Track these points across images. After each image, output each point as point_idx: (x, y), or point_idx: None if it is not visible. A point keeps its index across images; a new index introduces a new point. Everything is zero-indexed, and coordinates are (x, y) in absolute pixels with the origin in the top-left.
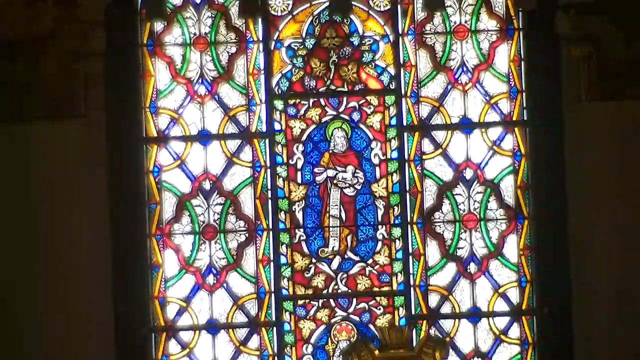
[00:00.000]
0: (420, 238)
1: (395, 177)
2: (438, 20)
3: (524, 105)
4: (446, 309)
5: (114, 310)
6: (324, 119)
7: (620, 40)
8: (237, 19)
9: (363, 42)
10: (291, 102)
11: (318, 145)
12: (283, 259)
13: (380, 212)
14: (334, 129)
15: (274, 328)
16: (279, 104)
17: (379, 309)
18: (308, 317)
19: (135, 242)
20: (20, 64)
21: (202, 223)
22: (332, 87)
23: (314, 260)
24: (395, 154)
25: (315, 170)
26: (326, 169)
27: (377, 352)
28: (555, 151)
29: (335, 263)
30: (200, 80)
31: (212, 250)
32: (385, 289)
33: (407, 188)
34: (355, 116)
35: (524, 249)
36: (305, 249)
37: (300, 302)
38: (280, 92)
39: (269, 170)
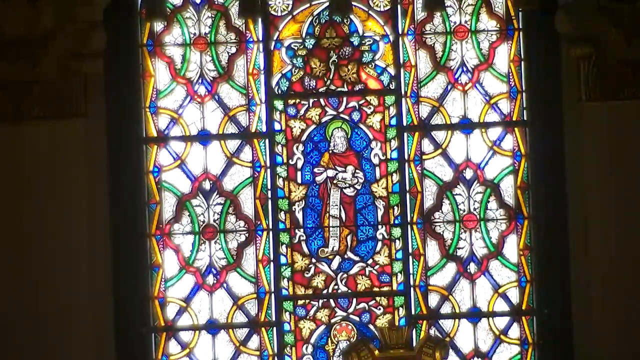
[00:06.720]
0: (420, 238)
1: (395, 177)
2: (438, 21)
3: (524, 105)
4: (446, 309)
5: (114, 310)
6: (324, 119)
7: (620, 40)
8: (237, 19)
9: (363, 42)
10: (291, 102)
11: (318, 145)
12: (283, 259)
13: (380, 212)
14: (334, 129)
15: (274, 328)
16: (279, 104)
17: (379, 309)
18: (308, 317)
19: (135, 242)
20: (20, 64)
21: (202, 223)
22: (332, 87)
23: (314, 260)
24: (395, 154)
25: (315, 170)
26: (326, 169)
27: (377, 352)
28: (555, 151)
29: (335, 263)
30: (200, 80)
31: (212, 250)
32: (385, 289)
33: (407, 188)
34: (355, 116)
35: (524, 249)
36: (305, 249)
37: (300, 302)
38: (280, 92)
39: (269, 170)
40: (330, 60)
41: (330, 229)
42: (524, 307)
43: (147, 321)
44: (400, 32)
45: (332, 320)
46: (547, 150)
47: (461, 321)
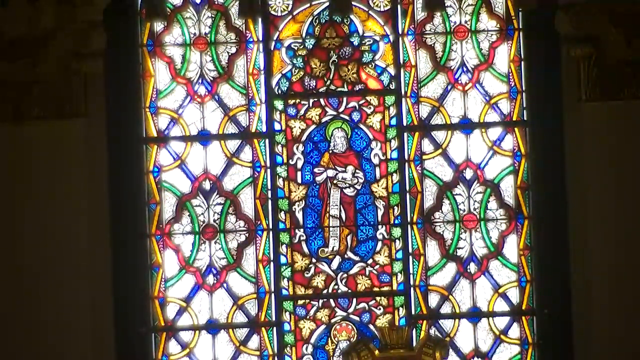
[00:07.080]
0: (420, 238)
1: (395, 177)
2: (438, 21)
3: (524, 105)
4: (446, 309)
5: (114, 310)
6: (324, 119)
7: (620, 40)
8: (237, 19)
9: (363, 42)
10: (291, 102)
11: (318, 145)
12: (283, 259)
13: (380, 212)
14: (334, 129)
15: (274, 328)
16: (279, 104)
17: (379, 309)
18: (308, 317)
19: (135, 242)
20: (20, 64)
21: (202, 223)
22: (332, 87)
23: (314, 260)
24: (395, 154)
25: (315, 170)
26: (326, 169)
27: (377, 352)
28: (555, 151)
29: (335, 263)
30: (200, 80)
31: (212, 250)
32: (385, 289)
33: (407, 188)
34: (355, 116)
35: (524, 249)
36: (305, 249)
37: (300, 302)
38: (280, 92)
39: (269, 170)
40: (330, 60)
41: (330, 229)
42: (524, 307)
43: (147, 321)
44: (400, 32)
45: (332, 320)
46: (547, 150)
47: (461, 321)
